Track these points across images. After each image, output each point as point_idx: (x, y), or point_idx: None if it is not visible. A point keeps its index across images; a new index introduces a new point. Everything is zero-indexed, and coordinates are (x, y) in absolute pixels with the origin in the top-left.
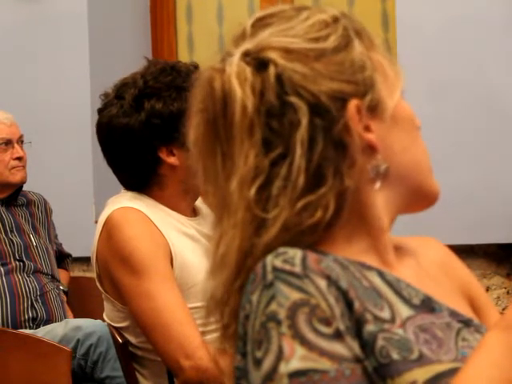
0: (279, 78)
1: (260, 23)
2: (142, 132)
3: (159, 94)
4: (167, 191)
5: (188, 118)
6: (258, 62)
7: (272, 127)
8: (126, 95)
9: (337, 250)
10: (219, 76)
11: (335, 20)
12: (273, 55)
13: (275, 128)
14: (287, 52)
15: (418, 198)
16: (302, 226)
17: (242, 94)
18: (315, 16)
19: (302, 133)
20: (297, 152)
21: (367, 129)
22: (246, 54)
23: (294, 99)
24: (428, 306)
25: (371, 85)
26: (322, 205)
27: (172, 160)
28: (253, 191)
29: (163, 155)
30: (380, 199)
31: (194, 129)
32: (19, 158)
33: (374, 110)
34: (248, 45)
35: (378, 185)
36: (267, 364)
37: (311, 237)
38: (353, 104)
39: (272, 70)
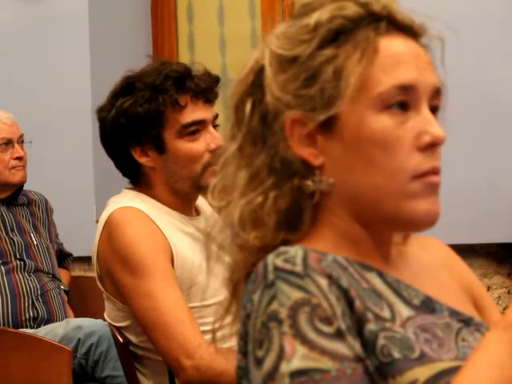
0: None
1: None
2: (111, 129)
3: (133, 94)
4: (156, 191)
5: (161, 121)
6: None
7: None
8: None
9: (335, 250)
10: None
11: (316, 26)
12: (266, 54)
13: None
14: (272, 54)
15: (397, 222)
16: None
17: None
18: (308, 19)
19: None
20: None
21: (306, 143)
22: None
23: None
24: (428, 306)
25: (329, 102)
26: (263, 195)
27: (143, 160)
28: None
29: (136, 155)
30: (340, 210)
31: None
32: (19, 158)
33: (329, 126)
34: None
35: (316, 197)
36: (268, 363)
37: (279, 227)
38: (289, 117)
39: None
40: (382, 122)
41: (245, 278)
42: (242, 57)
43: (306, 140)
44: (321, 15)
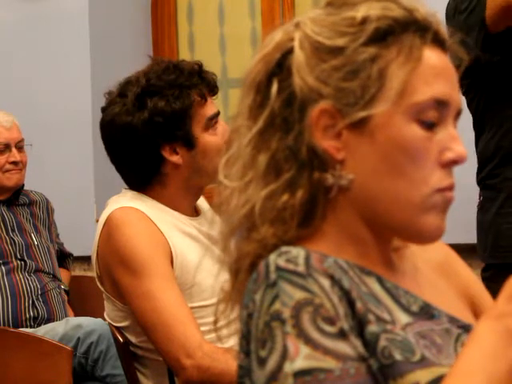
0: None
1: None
2: (144, 130)
3: (162, 93)
4: (169, 190)
5: (189, 116)
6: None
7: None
8: (128, 93)
9: (337, 251)
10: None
11: (364, 21)
12: (297, 36)
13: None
14: (307, 39)
15: (406, 231)
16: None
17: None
18: (352, 12)
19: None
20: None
21: (331, 135)
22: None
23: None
24: (427, 312)
25: (370, 100)
26: (286, 191)
27: (175, 159)
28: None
29: (166, 154)
30: (350, 210)
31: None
32: (15, 163)
33: (360, 123)
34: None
35: (332, 193)
36: (272, 363)
37: (294, 226)
38: (317, 108)
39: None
40: (414, 131)
41: (249, 266)
42: (241, 57)
43: (330, 132)
44: (369, 10)
